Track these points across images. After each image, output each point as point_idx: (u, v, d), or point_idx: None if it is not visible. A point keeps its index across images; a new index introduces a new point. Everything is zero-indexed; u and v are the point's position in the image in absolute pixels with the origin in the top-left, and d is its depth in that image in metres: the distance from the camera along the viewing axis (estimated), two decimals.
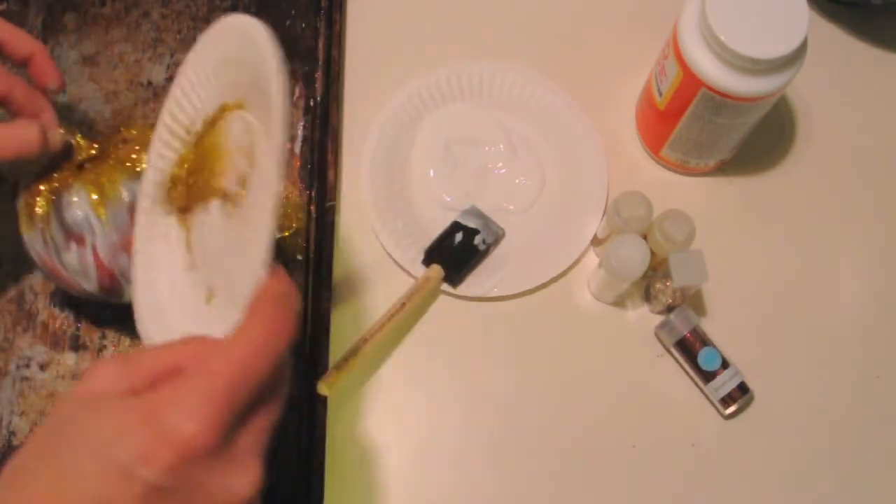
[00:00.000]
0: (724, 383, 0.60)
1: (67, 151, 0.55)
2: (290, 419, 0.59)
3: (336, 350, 0.61)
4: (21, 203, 0.55)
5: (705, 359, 0.61)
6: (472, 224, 0.65)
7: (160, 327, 0.49)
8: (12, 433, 0.58)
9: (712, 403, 0.62)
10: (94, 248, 0.54)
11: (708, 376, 0.61)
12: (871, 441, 0.62)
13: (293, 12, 0.70)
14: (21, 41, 0.54)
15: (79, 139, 0.55)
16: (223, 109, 0.49)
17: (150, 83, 0.68)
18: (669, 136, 0.64)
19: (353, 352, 0.58)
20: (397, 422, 0.61)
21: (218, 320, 0.42)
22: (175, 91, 0.52)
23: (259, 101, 0.44)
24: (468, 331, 0.63)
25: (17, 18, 0.69)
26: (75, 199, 0.54)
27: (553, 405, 0.62)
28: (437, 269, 0.63)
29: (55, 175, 0.55)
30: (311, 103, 0.67)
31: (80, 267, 0.54)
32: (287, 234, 0.64)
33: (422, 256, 0.64)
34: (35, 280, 0.62)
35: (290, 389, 0.59)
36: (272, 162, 0.40)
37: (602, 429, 0.61)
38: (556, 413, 0.62)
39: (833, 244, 0.67)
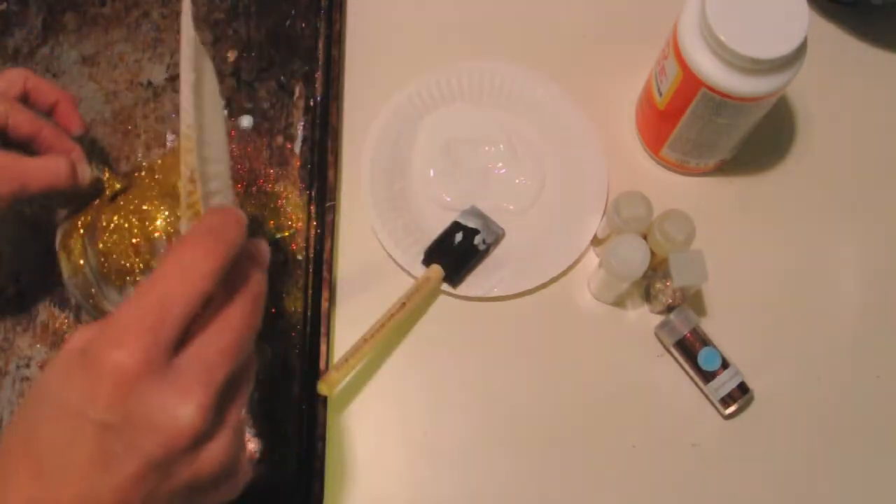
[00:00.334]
0: (724, 383, 0.60)
1: (97, 187, 0.56)
2: (290, 419, 0.59)
3: (336, 350, 0.61)
4: (59, 242, 0.56)
5: (705, 359, 0.61)
6: (472, 224, 0.65)
7: None
8: None
9: (712, 403, 0.62)
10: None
11: (708, 376, 0.61)
12: (871, 441, 0.62)
13: (293, 12, 0.70)
14: (46, 90, 0.56)
15: (107, 174, 0.56)
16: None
17: (150, 83, 0.68)
18: (669, 136, 0.64)
19: (353, 352, 0.58)
20: (397, 422, 0.61)
21: None
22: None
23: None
24: (468, 331, 0.63)
25: (17, 18, 0.69)
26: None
27: (553, 405, 0.62)
28: (437, 269, 0.63)
29: (89, 211, 0.56)
30: (311, 103, 0.67)
31: (121, 300, 0.54)
32: (287, 233, 0.64)
33: (422, 256, 0.64)
34: (35, 280, 0.62)
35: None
36: (182, 97, 0.40)
37: (602, 429, 0.61)
38: (557, 413, 0.62)
39: (833, 244, 0.67)
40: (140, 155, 0.66)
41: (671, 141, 0.64)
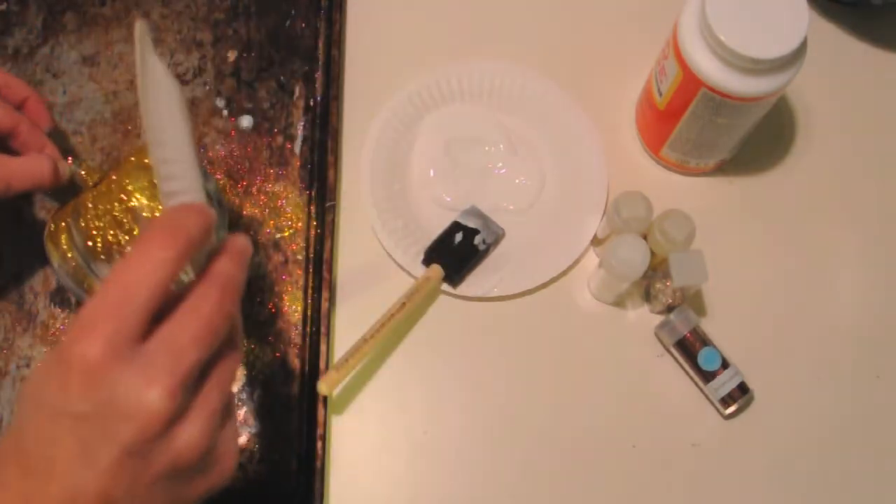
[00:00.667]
0: (724, 383, 0.60)
1: (75, 182, 0.59)
2: (290, 419, 0.59)
3: (336, 350, 0.61)
4: (46, 235, 0.57)
5: (705, 359, 0.61)
6: (472, 224, 0.65)
7: None
8: None
9: (712, 403, 0.62)
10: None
11: (708, 376, 0.61)
12: (871, 441, 0.62)
13: (293, 12, 0.70)
14: (16, 86, 0.58)
15: (83, 170, 0.59)
16: None
17: None
18: (669, 136, 0.64)
19: (353, 352, 0.58)
20: (397, 421, 0.61)
21: None
22: None
23: None
24: (468, 331, 0.63)
25: (17, 18, 0.69)
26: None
27: (553, 405, 0.62)
28: (437, 269, 0.63)
29: (73, 200, 0.57)
30: (311, 103, 0.67)
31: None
32: (287, 233, 0.64)
33: (422, 256, 0.64)
34: (35, 280, 0.62)
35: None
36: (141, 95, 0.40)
37: (602, 429, 0.61)
38: (556, 413, 0.62)
39: (833, 244, 0.67)
40: None
41: (671, 141, 0.64)
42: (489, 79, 0.69)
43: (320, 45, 0.69)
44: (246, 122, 0.67)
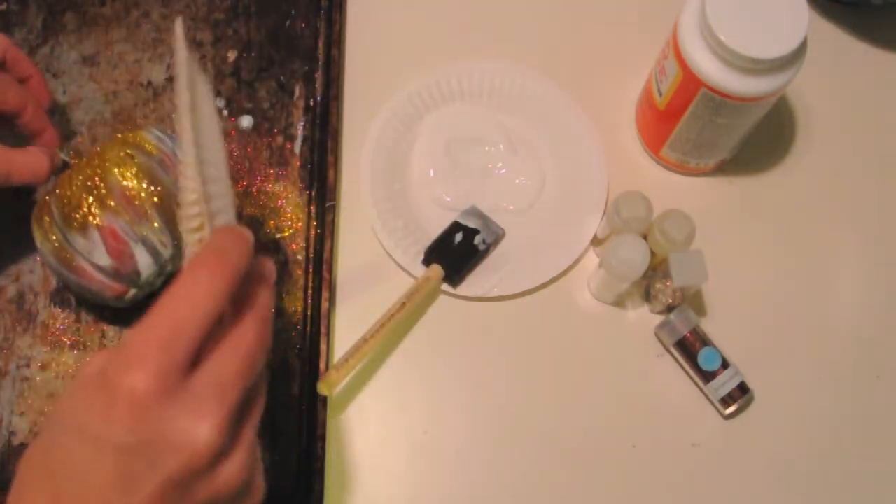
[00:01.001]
0: (724, 383, 0.60)
1: (63, 166, 0.60)
2: (290, 419, 0.59)
3: (336, 350, 0.61)
4: (32, 216, 0.57)
5: (705, 359, 0.61)
6: (472, 224, 0.65)
7: None
8: (12, 433, 0.58)
9: (712, 403, 0.62)
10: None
11: (708, 376, 0.61)
12: (871, 441, 0.62)
13: (293, 12, 0.70)
14: (22, 62, 0.59)
15: (72, 156, 0.61)
16: None
17: (149, 83, 0.68)
18: (669, 135, 0.64)
19: (353, 352, 0.58)
20: (397, 421, 0.61)
21: None
22: None
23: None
24: (468, 331, 0.63)
25: (17, 18, 0.69)
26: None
27: (553, 405, 0.62)
28: (437, 269, 0.63)
29: (55, 183, 0.58)
30: (311, 103, 0.67)
31: (88, 244, 0.54)
32: (287, 233, 0.64)
33: (422, 256, 0.64)
34: (35, 280, 0.62)
35: (284, 385, 0.59)
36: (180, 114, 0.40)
37: (602, 429, 0.61)
38: (557, 413, 0.62)
39: (833, 244, 0.67)
40: None
41: (671, 141, 0.64)
42: (489, 79, 0.69)
43: (320, 45, 0.69)
44: (246, 122, 0.67)
